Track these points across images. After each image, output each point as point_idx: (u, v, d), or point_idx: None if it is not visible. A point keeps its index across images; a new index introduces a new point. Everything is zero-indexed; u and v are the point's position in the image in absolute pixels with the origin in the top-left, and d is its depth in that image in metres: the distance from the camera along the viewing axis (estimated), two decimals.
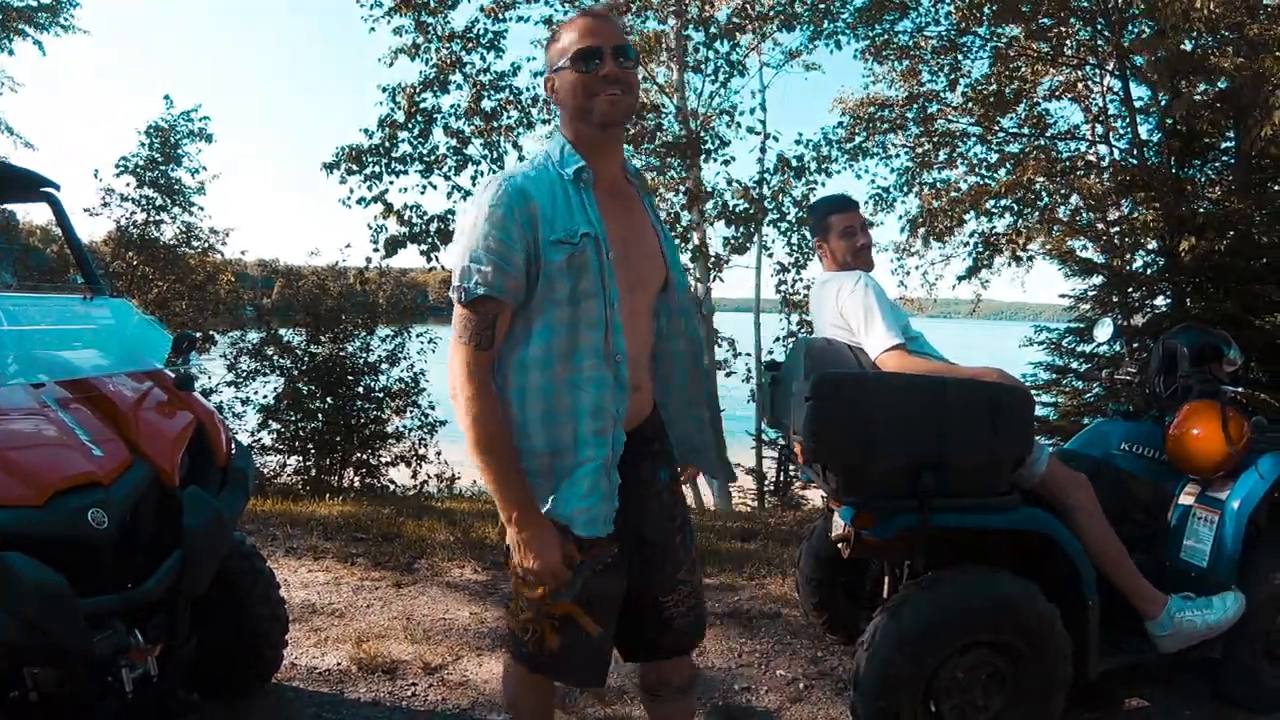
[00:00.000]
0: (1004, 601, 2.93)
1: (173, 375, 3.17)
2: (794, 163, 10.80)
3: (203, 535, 2.58)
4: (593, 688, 2.47)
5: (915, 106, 12.28)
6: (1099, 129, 12.62)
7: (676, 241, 8.97)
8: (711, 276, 10.97)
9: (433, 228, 9.31)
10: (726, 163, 10.59)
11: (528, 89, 9.87)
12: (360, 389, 11.78)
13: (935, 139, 12.47)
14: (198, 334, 3.70)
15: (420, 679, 3.81)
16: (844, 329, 3.34)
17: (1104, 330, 4.00)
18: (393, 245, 9.34)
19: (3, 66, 13.39)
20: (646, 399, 2.17)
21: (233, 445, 3.09)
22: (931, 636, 2.88)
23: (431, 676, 3.84)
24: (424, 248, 9.31)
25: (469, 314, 1.91)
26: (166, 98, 13.38)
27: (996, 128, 12.27)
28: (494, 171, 9.74)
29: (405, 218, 9.38)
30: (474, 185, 9.67)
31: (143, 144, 13.24)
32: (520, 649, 2.15)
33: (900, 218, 13.67)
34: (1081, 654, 3.05)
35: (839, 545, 3.30)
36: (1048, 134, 12.70)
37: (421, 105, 9.53)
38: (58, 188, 3.67)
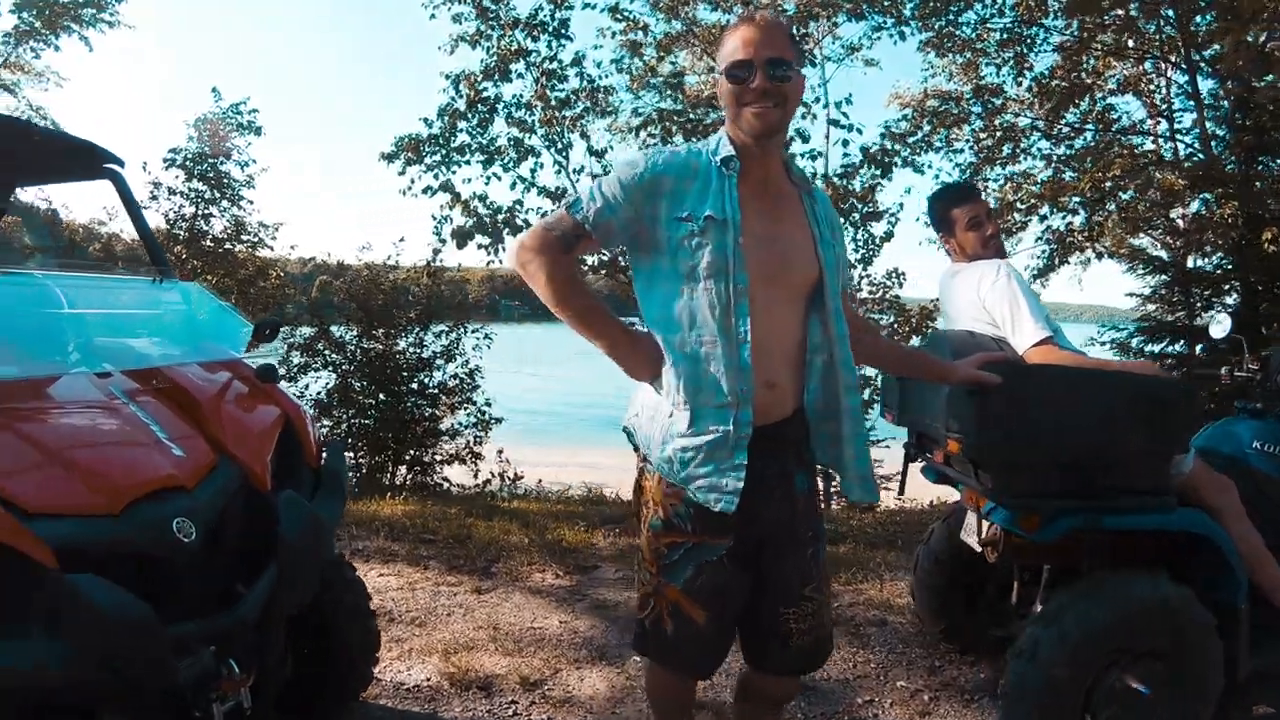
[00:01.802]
0: (1163, 607, 2.79)
1: (254, 366, 2.85)
2: (881, 157, 10.24)
3: (301, 545, 2.24)
4: (697, 679, 2.42)
5: (979, 100, 11.92)
6: (1163, 124, 12.28)
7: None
8: None
9: (500, 219, 8.96)
10: (815, 157, 10.08)
11: (600, 77, 9.50)
12: (414, 385, 11.49)
13: (999, 133, 12.10)
14: (279, 320, 3.28)
15: (520, 696, 3.48)
16: (987, 321, 3.14)
17: (1219, 327, 3.75)
18: (463, 237, 8.99)
19: (48, 63, 13.29)
20: (785, 398, 2.11)
21: (323, 443, 2.77)
22: (1094, 643, 2.74)
23: (532, 693, 3.51)
24: (488, 241, 8.97)
25: (564, 215, 2.08)
26: (214, 90, 13.17)
27: (1061, 122, 11.95)
28: (558, 164, 9.44)
29: (471, 208, 9.05)
30: (533, 176, 9.33)
31: (191, 137, 13.04)
32: (640, 630, 2.20)
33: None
34: (1231, 660, 2.90)
35: (984, 549, 3.17)
36: (1113, 129, 12.30)
37: (483, 94, 9.20)
38: (122, 164, 3.37)
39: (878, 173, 10.14)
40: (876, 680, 3.75)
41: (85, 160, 3.32)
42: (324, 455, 2.74)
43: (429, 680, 3.58)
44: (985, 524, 3.15)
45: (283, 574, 2.20)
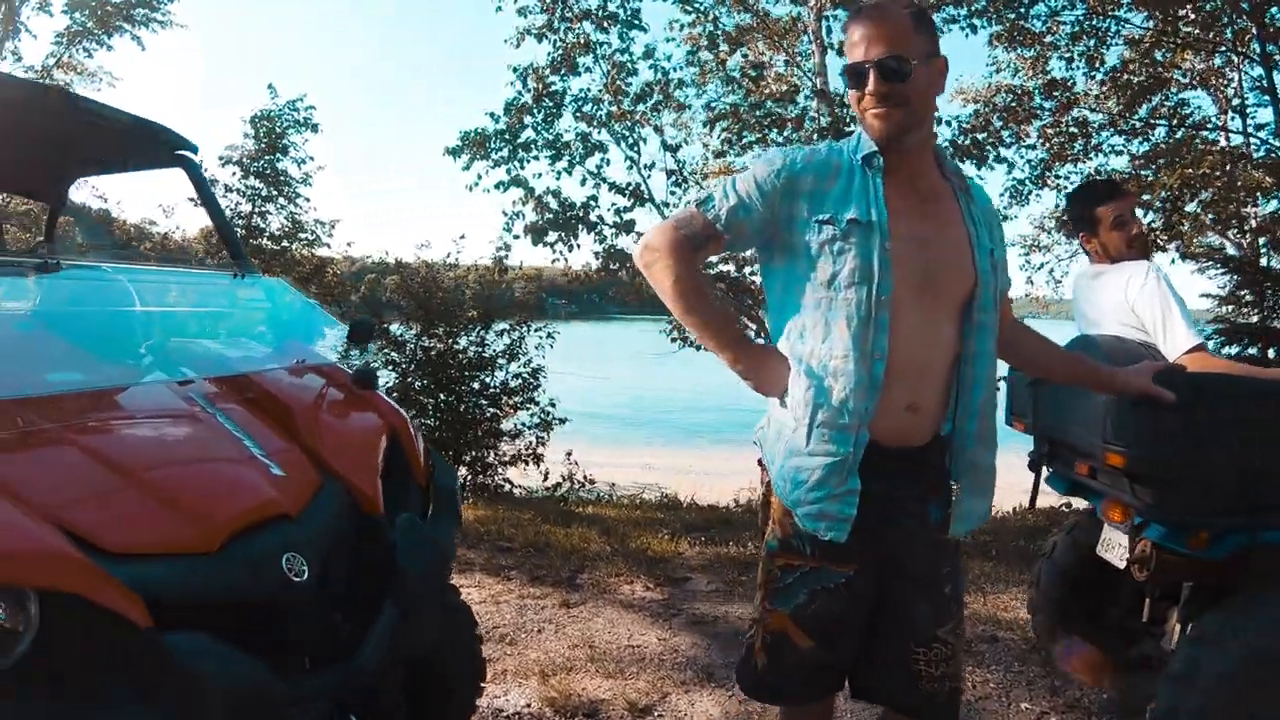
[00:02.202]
0: None
1: (349, 371, 2.60)
2: (972, 149, 9.79)
3: (423, 579, 1.96)
4: (798, 709, 2.15)
5: (1050, 96, 11.47)
6: (1236, 120, 11.71)
7: None
8: None
9: (573, 215, 8.71)
10: None
11: (672, 70, 9.20)
12: (474, 385, 11.28)
13: (1069, 129, 11.63)
14: (373, 321, 2.94)
15: None
16: (1134, 325, 2.98)
17: None
18: (538, 233, 8.75)
19: (101, 62, 13.26)
20: (927, 421, 1.93)
21: (430, 456, 2.50)
22: (1260, 666, 2.54)
23: None
24: (556, 237, 8.72)
25: (695, 214, 1.97)
26: (270, 87, 13.06)
27: (1133, 118, 11.45)
28: (629, 159, 9.16)
29: (544, 203, 8.80)
30: (600, 172, 9.04)
31: (247, 134, 12.95)
32: (743, 657, 2.10)
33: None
34: None
35: (1131, 566, 2.93)
36: (1186, 124, 11.74)
37: (551, 88, 8.95)
38: (195, 150, 3.09)
39: (974, 164, 9.71)
40: (998, 702, 3.50)
41: (155, 145, 3.03)
42: (433, 470, 2.47)
43: (529, 707, 3.32)
44: (1133, 540, 2.92)
45: (404, 613, 1.91)
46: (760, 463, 2.09)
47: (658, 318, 10.89)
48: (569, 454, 11.01)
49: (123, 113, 2.78)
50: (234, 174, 12.86)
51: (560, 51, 8.94)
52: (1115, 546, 3.07)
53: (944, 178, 2.02)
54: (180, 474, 1.78)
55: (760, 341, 2.04)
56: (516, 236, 9.10)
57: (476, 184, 8.95)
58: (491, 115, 9.00)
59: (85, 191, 14.85)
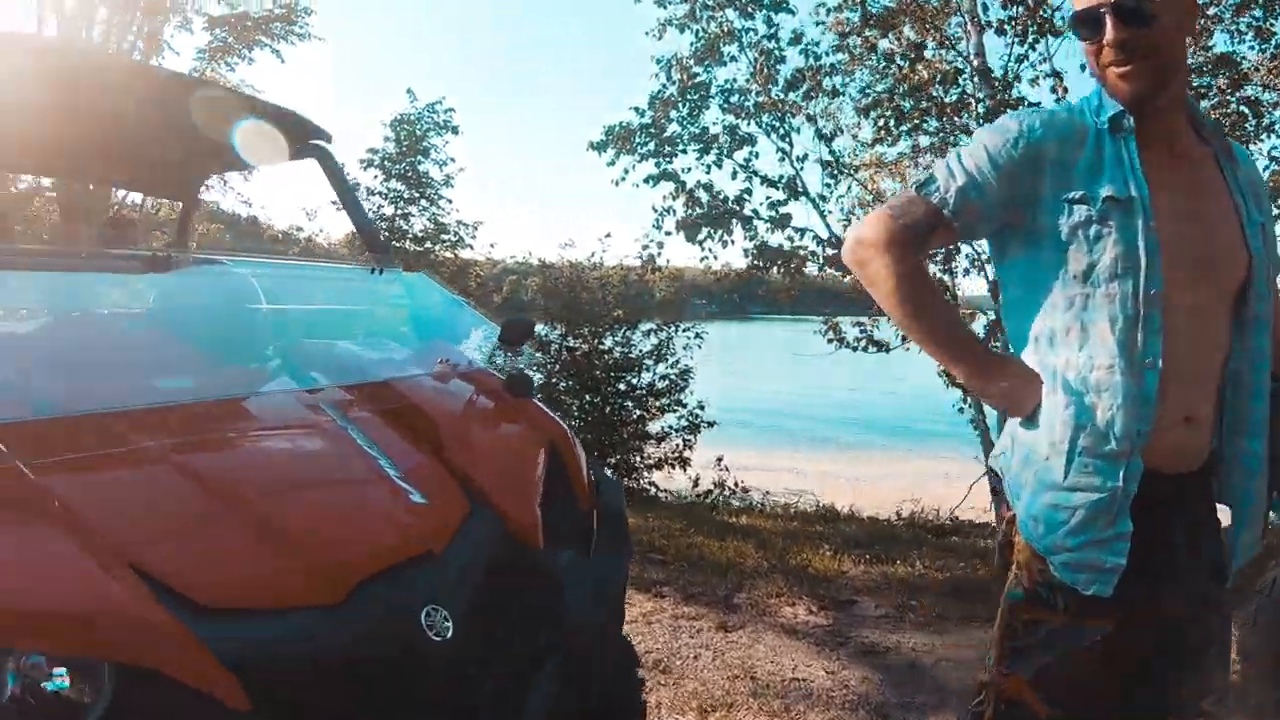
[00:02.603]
0: None
1: (502, 378, 2.34)
2: None
3: (593, 629, 1.67)
4: None
5: (1218, 72, 10.46)
6: None
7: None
8: None
9: (726, 209, 8.38)
10: None
11: (824, 54, 8.74)
12: (621, 386, 11.11)
13: (1238, 109, 10.57)
14: (530, 320, 2.61)
15: None
16: None
17: None
18: (692, 228, 8.44)
19: (242, 76, 13.61)
20: (1204, 436, 1.62)
21: (594, 473, 2.21)
22: None
23: None
24: (706, 234, 8.39)
25: (915, 199, 1.66)
26: (409, 91, 13.23)
27: None
28: (781, 151, 8.75)
29: (696, 197, 8.50)
30: (749, 165, 8.65)
31: (387, 138, 13.14)
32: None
33: None
34: None
35: None
36: None
37: (696, 79, 8.64)
38: (329, 138, 2.92)
39: None
40: None
41: (289, 135, 2.84)
42: (597, 489, 2.17)
43: None
44: None
45: (571, 670, 1.62)
46: (995, 491, 1.73)
47: (799, 318, 10.47)
48: (719, 459, 10.68)
49: (257, 100, 2.61)
50: (375, 176, 13.10)
51: (703, 41, 8.60)
52: None
53: (1202, 140, 1.70)
54: (299, 503, 1.52)
55: (998, 350, 1.72)
56: (668, 233, 8.80)
57: (623, 178, 8.71)
58: (636, 109, 8.75)
59: (231, 198, 15.42)
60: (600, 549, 2.02)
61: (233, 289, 2.18)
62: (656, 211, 8.73)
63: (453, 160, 13.56)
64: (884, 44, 9.34)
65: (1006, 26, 8.82)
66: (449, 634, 1.41)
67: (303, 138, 2.88)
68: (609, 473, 10.06)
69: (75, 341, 1.94)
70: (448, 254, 13.91)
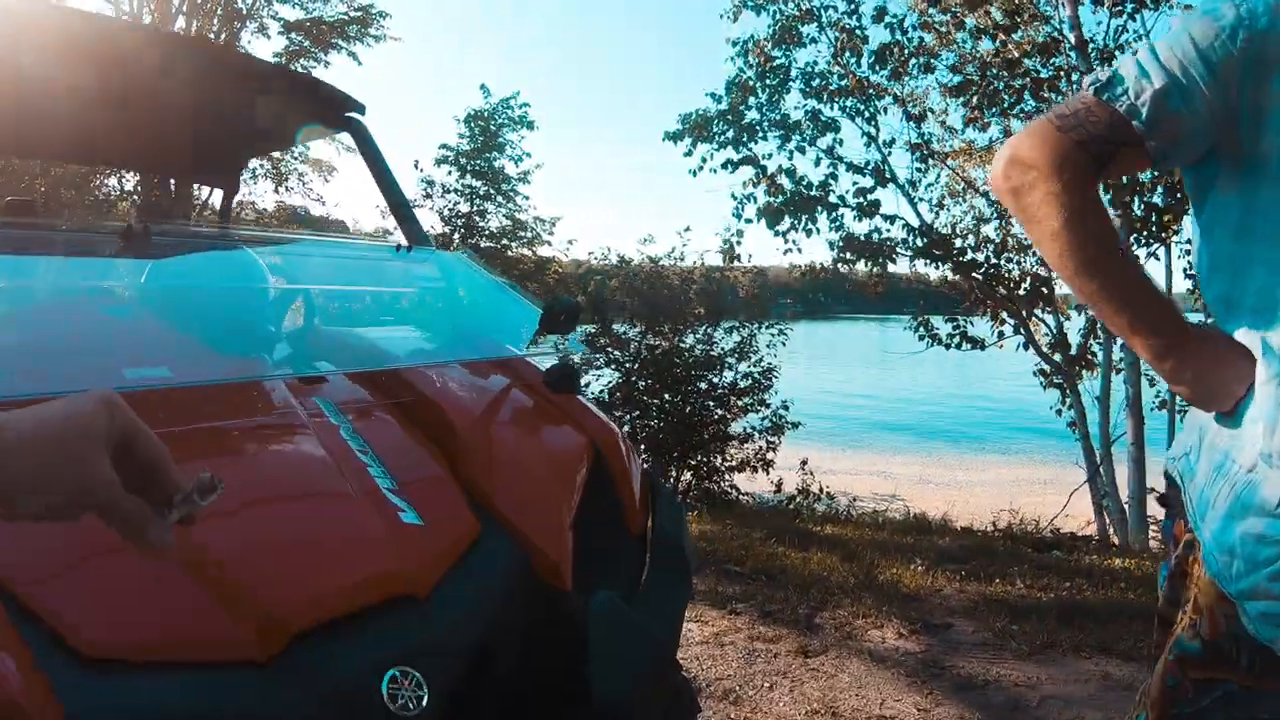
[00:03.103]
0: None
1: (543, 370, 1.99)
2: None
3: (623, 699, 1.29)
4: None
5: None
6: None
7: None
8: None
9: (811, 195, 7.97)
10: None
11: (912, 28, 8.26)
12: (701, 385, 10.73)
13: None
14: (576, 303, 2.17)
15: None
16: None
17: None
18: (775, 215, 8.05)
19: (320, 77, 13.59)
20: None
21: (651, 488, 1.83)
22: None
23: None
24: (789, 224, 7.98)
25: (1094, 104, 1.22)
26: (483, 87, 13.04)
27: None
28: (867, 135, 8.30)
29: (778, 183, 8.10)
30: (832, 152, 8.22)
31: (462, 135, 12.97)
32: None
33: None
34: None
35: None
36: None
37: (774, 62, 8.24)
38: (363, 110, 2.65)
39: None
40: None
41: (322, 107, 2.56)
42: (654, 508, 1.80)
43: None
44: None
45: None
46: (1166, 503, 1.40)
47: (886, 317, 10.00)
48: (804, 463, 10.24)
49: (286, 69, 2.32)
50: (450, 173, 12.94)
51: (780, 22, 8.19)
52: None
53: None
54: (244, 523, 1.16)
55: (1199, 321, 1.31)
56: (749, 220, 8.43)
57: (701, 168, 8.35)
58: (712, 95, 8.38)
59: (298, 197, 15.47)
60: (651, 587, 1.64)
61: (230, 266, 1.89)
62: (736, 200, 8.35)
63: (529, 155, 13.36)
64: (971, 21, 8.83)
65: None
66: (420, 706, 1.05)
67: (336, 109, 2.61)
68: (688, 475, 9.71)
69: (38, 322, 1.66)
70: (525, 251, 13.71)
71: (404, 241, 2.26)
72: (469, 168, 13.02)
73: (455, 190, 13.02)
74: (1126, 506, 9.41)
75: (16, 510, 0.62)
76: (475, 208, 13.09)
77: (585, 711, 1.28)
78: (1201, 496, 1.26)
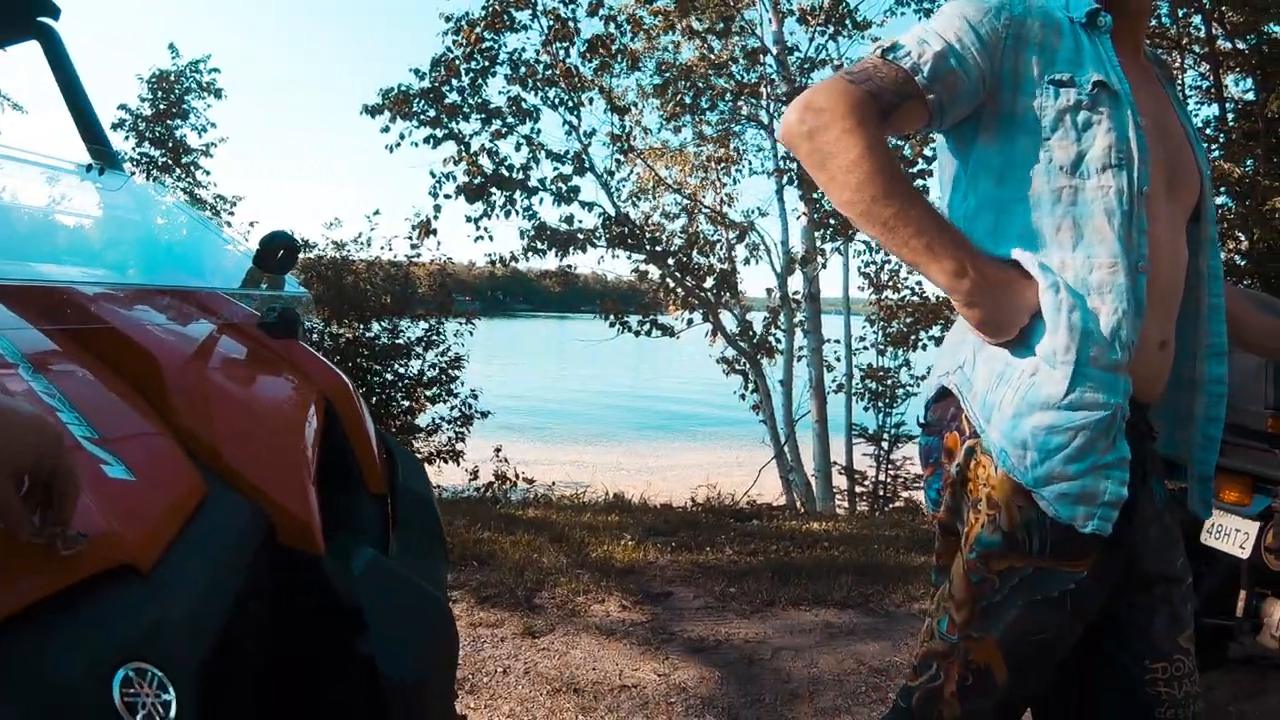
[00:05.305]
0: None
1: (259, 314, 1.68)
2: None
3: (426, 673, 1.05)
4: None
5: None
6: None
7: None
8: None
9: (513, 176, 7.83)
10: None
11: (626, 22, 8.36)
12: (389, 375, 10.22)
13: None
14: (294, 240, 1.77)
15: None
16: None
17: None
18: (475, 193, 7.78)
19: None
20: (1168, 364, 1.50)
21: (386, 444, 1.60)
22: None
23: None
24: (484, 209, 7.80)
25: (879, 63, 1.40)
26: (171, 46, 11.56)
27: None
28: (568, 124, 8.33)
29: (478, 163, 7.87)
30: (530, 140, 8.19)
31: (143, 97, 11.49)
32: (905, 701, 1.48)
33: None
34: None
35: (1268, 555, 2.76)
36: None
37: (484, 45, 8.03)
38: (57, 14, 2.18)
39: None
40: None
41: (4, 8, 2.08)
42: (392, 465, 1.56)
43: None
44: (1265, 526, 2.76)
45: None
46: (927, 425, 1.52)
47: (566, 316, 10.18)
48: (498, 450, 10.08)
49: None
50: (126, 139, 11.40)
51: (493, 5, 8.01)
52: (1232, 533, 2.84)
53: (1150, 64, 1.61)
54: None
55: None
56: (447, 197, 8.13)
57: (398, 145, 7.97)
58: (416, 71, 8.03)
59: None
60: (404, 549, 1.42)
61: None
62: (435, 177, 8.04)
63: (214, 126, 11.97)
64: (679, 29, 9.17)
65: (809, 16, 8.87)
66: (167, 715, 0.77)
67: (25, 14, 2.11)
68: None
69: None
70: None
71: (98, 161, 1.83)
72: (148, 134, 11.47)
73: (131, 159, 11.39)
74: (813, 479, 10.20)
75: None
76: (153, 179, 11.53)
77: (373, 689, 1.04)
78: (985, 403, 1.40)
